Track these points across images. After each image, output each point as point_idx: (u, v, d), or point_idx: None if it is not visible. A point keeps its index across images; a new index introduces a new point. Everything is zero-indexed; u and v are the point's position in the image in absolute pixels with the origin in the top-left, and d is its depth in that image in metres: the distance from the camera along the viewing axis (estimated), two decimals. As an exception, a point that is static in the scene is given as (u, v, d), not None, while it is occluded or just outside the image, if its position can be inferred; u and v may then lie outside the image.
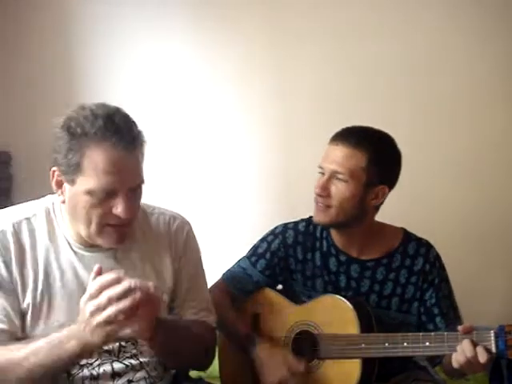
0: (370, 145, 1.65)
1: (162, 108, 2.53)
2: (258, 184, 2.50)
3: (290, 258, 1.80)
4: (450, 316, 1.68)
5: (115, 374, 1.44)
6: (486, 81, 2.36)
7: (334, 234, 1.76)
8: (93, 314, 1.21)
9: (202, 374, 2.09)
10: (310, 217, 1.83)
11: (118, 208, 1.34)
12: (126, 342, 1.44)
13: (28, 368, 1.29)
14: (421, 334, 1.56)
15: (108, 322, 1.21)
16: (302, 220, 1.83)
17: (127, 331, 1.25)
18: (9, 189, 2.38)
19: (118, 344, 1.43)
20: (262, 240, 1.84)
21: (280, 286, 1.85)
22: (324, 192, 1.66)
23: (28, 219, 1.43)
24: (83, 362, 1.40)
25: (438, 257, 1.74)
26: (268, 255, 1.81)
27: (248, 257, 1.84)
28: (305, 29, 2.40)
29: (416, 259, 1.72)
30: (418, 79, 2.39)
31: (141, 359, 1.47)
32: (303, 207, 2.23)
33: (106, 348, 1.41)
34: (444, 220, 2.35)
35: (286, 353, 1.69)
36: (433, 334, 1.56)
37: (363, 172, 1.64)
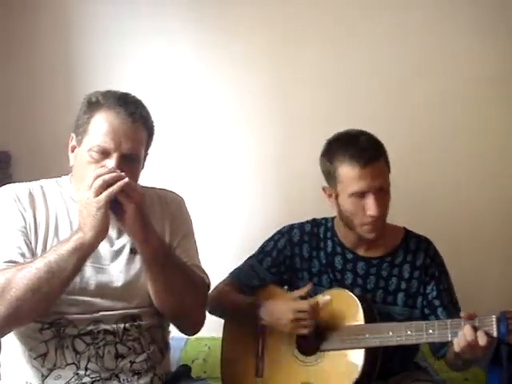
0: (384, 152, 1.73)
1: (161, 107, 2.53)
2: (258, 183, 2.50)
3: (295, 257, 1.85)
4: (450, 309, 1.73)
5: (118, 355, 1.53)
6: (484, 82, 2.39)
7: (344, 234, 1.81)
8: (90, 198, 1.38)
9: (202, 374, 2.11)
10: (314, 219, 1.90)
11: (108, 166, 1.47)
12: (130, 325, 1.53)
13: (36, 267, 1.39)
14: (424, 322, 1.61)
15: (106, 200, 1.38)
16: (307, 221, 1.90)
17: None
18: (8, 189, 2.36)
19: (122, 327, 1.53)
20: (270, 239, 1.90)
21: (285, 288, 1.88)
22: (381, 211, 1.68)
23: (41, 186, 1.60)
24: (89, 340, 1.50)
25: (437, 252, 1.81)
26: (274, 253, 1.87)
27: (255, 255, 1.90)
28: (303, 30, 2.42)
29: (417, 254, 1.79)
30: (417, 80, 2.41)
31: (142, 343, 1.56)
32: (303, 206, 2.28)
33: (110, 329, 1.52)
34: (444, 220, 2.38)
35: (288, 299, 1.73)
36: (436, 321, 1.61)
37: (389, 177, 1.73)
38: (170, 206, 1.68)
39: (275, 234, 1.89)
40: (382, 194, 1.69)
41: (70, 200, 1.58)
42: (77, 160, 1.55)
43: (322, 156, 1.79)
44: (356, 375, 1.62)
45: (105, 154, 1.50)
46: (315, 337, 1.72)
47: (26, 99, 2.47)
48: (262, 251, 1.89)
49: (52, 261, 1.39)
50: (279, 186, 2.47)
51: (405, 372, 1.78)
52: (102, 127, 1.51)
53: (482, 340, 1.46)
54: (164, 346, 1.65)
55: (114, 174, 1.42)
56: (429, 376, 1.82)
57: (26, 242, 1.50)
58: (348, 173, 1.68)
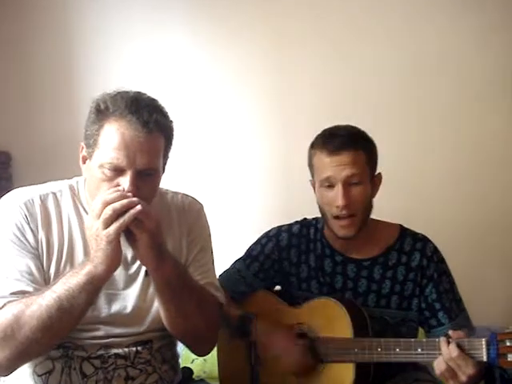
0: (362, 140, 1.68)
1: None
2: (258, 183, 2.49)
3: (284, 261, 1.79)
4: (453, 309, 1.65)
5: (129, 378, 1.46)
6: (485, 81, 2.33)
7: (330, 234, 1.73)
8: (100, 230, 1.26)
9: (201, 374, 2.09)
10: (305, 219, 1.83)
11: (123, 186, 1.34)
12: (142, 348, 1.46)
13: (47, 305, 1.29)
14: (413, 340, 1.54)
15: (117, 233, 1.26)
16: (297, 222, 1.83)
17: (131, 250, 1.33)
18: (9, 189, 2.37)
19: (134, 350, 1.46)
20: (256, 243, 1.84)
21: (278, 287, 1.84)
22: (348, 200, 1.61)
23: (54, 194, 1.48)
24: (98, 364, 1.43)
25: (435, 250, 1.71)
26: (262, 258, 1.81)
27: (243, 259, 1.84)
28: (303, 29, 2.39)
29: (413, 255, 1.69)
30: (416, 79, 2.36)
31: (154, 364, 1.49)
32: (302, 204, 2.22)
33: (122, 353, 1.44)
34: (443, 220, 2.32)
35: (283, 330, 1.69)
36: (425, 340, 1.54)
37: (367, 167, 1.66)
38: (189, 215, 1.57)
39: (262, 238, 1.83)
40: (354, 186, 1.63)
41: (84, 214, 1.46)
42: (88, 174, 1.42)
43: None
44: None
45: (118, 170, 1.35)
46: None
47: (26, 99, 2.49)
48: (250, 255, 1.83)
49: (63, 298, 1.29)
50: (281, 183, 2.46)
51: (403, 373, 1.71)
52: (113, 141, 1.34)
53: (454, 351, 1.40)
54: (176, 363, 1.60)
55: (125, 202, 1.28)
56: (429, 376, 1.73)
57: (37, 267, 1.40)
58: (319, 159, 1.66)
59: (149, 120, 1.35)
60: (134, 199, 1.29)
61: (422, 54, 2.36)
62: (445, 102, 2.35)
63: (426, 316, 1.67)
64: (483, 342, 1.40)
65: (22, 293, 1.35)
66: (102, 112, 1.37)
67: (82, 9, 2.48)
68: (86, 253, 1.41)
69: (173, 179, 2.44)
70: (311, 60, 2.40)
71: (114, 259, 1.29)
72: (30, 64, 2.47)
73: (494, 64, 2.32)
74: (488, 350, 1.38)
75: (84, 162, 1.43)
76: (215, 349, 1.86)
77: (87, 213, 1.44)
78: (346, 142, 1.64)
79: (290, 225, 1.82)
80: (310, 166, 1.72)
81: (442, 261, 1.70)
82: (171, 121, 1.44)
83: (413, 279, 1.68)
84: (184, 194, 1.61)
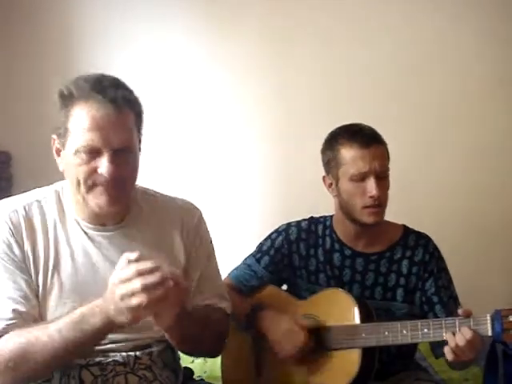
0: (384, 141, 1.75)
1: (160, 107, 2.54)
2: (257, 182, 2.51)
3: (293, 255, 1.84)
4: (449, 305, 1.71)
5: None
6: (484, 81, 2.39)
7: (342, 230, 1.81)
8: (123, 297, 1.19)
9: (202, 374, 2.11)
10: (311, 217, 1.89)
11: (102, 167, 1.33)
12: (141, 353, 1.43)
13: (53, 346, 1.27)
14: (419, 321, 1.60)
15: (138, 307, 1.19)
16: (304, 219, 1.89)
17: (151, 318, 1.24)
18: (9, 189, 2.37)
19: (133, 355, 1.43)
20: (267, 238, 1.90)
21: (284, 287, 1.89)
22: (381, 191, 1.69)
23: (38, 201, 1.44)
24: (97, 372, 1.40)
25: (436, 248, 1.79)
26: (272, 252, 1.86)
27: (253, 254, 1.90)
28: (307, 27, 2.42)
29: (416, 250, 1.77)
30: (416, 79, 2.41)
31: (155, 371, 1.46)
32: (303, 204, 2.27)
33: (120, 360, 1.41)
34: (444, 219, 2.37)
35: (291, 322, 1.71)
36: (431, 320, 1.60)
37: (388, 162, 1.74)
38: (190, 224, 1.53)
39: (272, 233, 1.89)
40: (382, 179, 1.71)
41: (72, 221, 1.43)
42: (66, 165, 1.39)
43: (323, 146, 1.80)
44: (353, 374, 1.62)
45: (94, 152, 1.33)
46: (315, 338, 1.72)
47: (26, 99, 2.47)
48: (260, 250, 1.88)
49: (70, 342, 1.26)
50: (280, 184, 2.48)
51: (405, 371, 1.78)
52: (84, 123, 1.32)
53: (468, 334, 1.46)
54: (177, 365, 1.57)
55: (155, 280, 1.18)
56: (429, 376, 1.80)
57: (28, 283, 1.37)
58: (349, 154, 1.70)
59: (116, 97, 1.33)
60: (169, 280, 1.19)
61: (422, 54, 2.39)
62: (445, 102, 2.39)
63: (425, 310, 1.74)
64: (488, 318, 1.47)
65: (18, 313, 1.34)
66: (67, 98, 1.36)
67: (82, 9, 2.48)
68: (73, 259, 1.41)
69: (172, 179, 2.48)
70: (311, 60, 2.43)
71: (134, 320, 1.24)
72: (30, 64, 2.45)
73: (501, 63, 2.37)
74: (493, 325, 1.45)
75: (59, 155, 1.41)
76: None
77: (74, 218, 1.43)
78: (374, 137, 1.73)
79: (299, 221, 1.88)
80: (334, 162, 1.75)
81: (441, 259, 1.79)
82: (137, 96, 1.41)
83: (416, 273, 1.75)
84: (182, 199, 1.58)
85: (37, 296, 1.39)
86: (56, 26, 2.48)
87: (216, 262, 1.60)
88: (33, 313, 1.38)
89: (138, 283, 1.18)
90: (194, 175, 2.51)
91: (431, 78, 2.40)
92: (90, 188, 1.36)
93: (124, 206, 1.44)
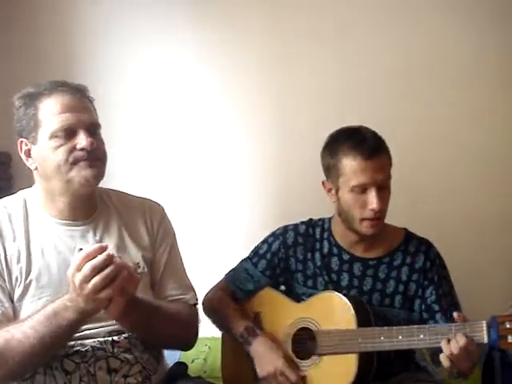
0: (387, 147, 1.71)
1: (160, 111, 2.54)
2: (256, 184, 2.50)
3: (290, 259, 1.82)
4: (450, 313, 1.65)
5: (111, 370, 1.47)
6: (484, 81, 2.37)
7: (341, 234, 1.79)
8: (81, 284, 1.28)
9: (202, 373, 2.11)
10: (310, 219, 1.87)
11: (81, 142, 1.43)
12: (119, 337, 1.48)
13: (30, 343, 1.32)
14: (415, 326, 1.58)
15: (97, 290, 1.28)
16: (302, 222, 1.87)
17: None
18: (9, 189, 2.37)
19: (110, 340, 1.48)
20: (263, 242, 1.88)
21: (283, 287, 1.87)
22: (382, 204, 1.66)
23: (5, 207, 1.52)
24: (78, 359, 1.44)
25: (438, 255, 1.76)
26: (269, 256, 1.84)
27: (250, 258, 1.88)
28: (304, 29, 2.41)
29: (417, 257, 1.74)
30: (418, 79, 2.39)
31: (135, 353, 1.50)
32: (299, 207, 2.27)
33: (98, 345, 1.46)
34: (445, 219, 2.34)
35: (283, 355, 1.70)
36: (427, 326, 1.58)
37: (390, 172, 1.71)
38: (154, 217, 1.63)
39: (269, 237, 1.87)
40: (383, 190, 1.68)
41: (41, 221, 1.50)
42: (40, 158, 1.47)
43: (324, 150, 1.76)
44: (351, 379, 1.61)
45: (69, 132, 1.44)
46: (310, 342, 1.71)
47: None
48: (257, 254, 1.87)
49: (46, 336, 1.33)
50: (278, 187, 2.46)
51: (405, 373, 1.75)
52: (55, 109, 1.45)
53: (461, 340, 1.44)
54: (158, 353, 1.61)
55: (109, 272, 1.29)
56: (429, 376, 1.76)
57: (2, 288, 1.44)
58: (351, 165, 1.66)
59: (76, 89, 1.49)
60: (121, 264, 1.31)
61: (422, 54, 2.37)
62: (444, 102, 2.37)
63: (424, 318, 1.71)
64: (484, 325, 1.44)
65: None
66: (31, 97, 1.47)
67: (83, 16, 2.49)
68: (44, 256, 1.47)
69: (171, 180, 2.48)
70: (310, 60, 2.41)
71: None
72: (30, 64, 2.45)
73: (502, 62, 2.34)
74: (489, 332, 1.43)
75: (29, 155, 1.50)
76: (217, 349, 1.92)
77: (42, 216, 1.50)
78: (377, 147, 1.67)
79: (296, 224, 1.86)
80: (334, 170, 1.71)
81: (443, 266, 1.76)
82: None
83: (416, 280, 1.73)
84: (146, 198, 1.68)
85: (11, 299, 1.44)
86: (57, 32, 2.50)
87: (180, 254, 1.67)
88: (6, 312, 1.43)
89: (87, 267, 1.27)
90: (193, 177, 2.51)
91: (431, 78, 2.38)
92: (72, 166, 1.45)
93: (99, 182, 1.53)
